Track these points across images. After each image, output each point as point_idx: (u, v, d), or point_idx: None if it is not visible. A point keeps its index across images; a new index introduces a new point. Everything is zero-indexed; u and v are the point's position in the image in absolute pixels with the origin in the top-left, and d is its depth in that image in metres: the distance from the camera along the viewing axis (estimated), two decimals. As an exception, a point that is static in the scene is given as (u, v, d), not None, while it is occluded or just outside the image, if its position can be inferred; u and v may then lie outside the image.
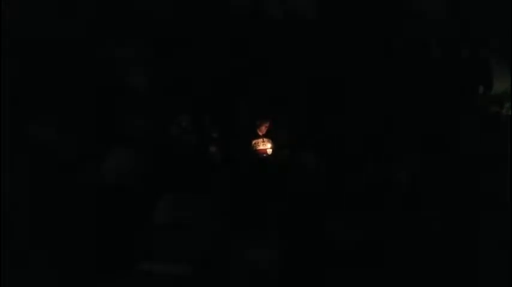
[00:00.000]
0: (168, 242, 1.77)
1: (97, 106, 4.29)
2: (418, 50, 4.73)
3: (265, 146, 4.95)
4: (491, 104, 4.45)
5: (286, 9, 5.23)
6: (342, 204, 3.05)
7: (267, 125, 4.99)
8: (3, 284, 2.43)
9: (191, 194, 2.01)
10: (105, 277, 2.26)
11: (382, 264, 2.69)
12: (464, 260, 2.66)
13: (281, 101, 5.03)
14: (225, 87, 5.14)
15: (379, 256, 2.74)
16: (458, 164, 3.63)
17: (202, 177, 4.01)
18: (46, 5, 4.35)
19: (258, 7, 5.27)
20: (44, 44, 4.31)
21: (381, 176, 3.46)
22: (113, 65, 4.64)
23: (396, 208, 3.11)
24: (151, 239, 1.80)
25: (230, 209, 3.05)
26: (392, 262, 2.69)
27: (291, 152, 4.43)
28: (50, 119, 3.89)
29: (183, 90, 4.96)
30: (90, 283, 2.42)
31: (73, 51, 4.45)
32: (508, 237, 2.63)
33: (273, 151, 4.94)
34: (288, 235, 2.77)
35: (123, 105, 4.52)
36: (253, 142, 4.97)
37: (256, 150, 4.95)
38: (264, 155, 4.91)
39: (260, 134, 5.01)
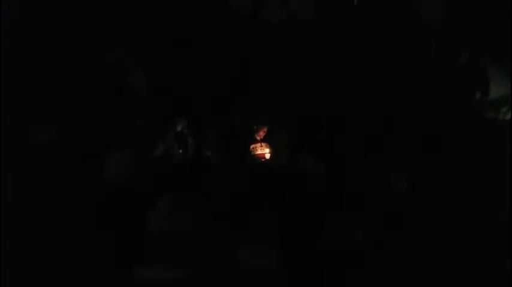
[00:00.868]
0: (165, 246, 1.75)
1: (97, 107, 4.29)
2: (416, 53, 4.76)
3: (264, 151, 4.95)
4: (488, 108, 4.47)
5: (285, 12, 5.25)
6: (341, 205, 3.05)
7: (265, 129, 4.99)
8: (3, 284, 2.40)
9: (188, 197, 2.00)
10: (102, 281, 2.25)
11: (382, 265, 2.68)
12: (464, 261, 2.66)
13: (279, 105, 5.03)
14: (223, 91, 5.14)
15: (378, 257, 2.74)
16: (456, 167, 3.64)
17: (199, 179, 4.01)
18: (46, 5, 4.35)
19: (258, 10, 5.28)
20: (44, 44, 4.31)
21: (379, 178, 3.47)
22: (112, 65, 4.63)
23: (395, 210, 3.11)
24: (149, 243, 1.79)
25: (229, 210, 3.04)
26: (391, 262, 2.69)
27: (289, 156, 4.44)
28: (49, 120, 3.89)
29: (181, 93, 4.96)
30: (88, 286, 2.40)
31: (73, 52, 4.46)
32: (507, 238, 2.63)
33: (271, 155, 4.93)
34: (288, 235, 2.77)
35: (122, 106, 4.51)
36: (251, 147, 4.96)
37: (254, 154, 4.94)
38: (262, 159, 4.91)
39: (258, 138, 5.00)
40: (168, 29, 5.01)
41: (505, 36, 4.23)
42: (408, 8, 4.88)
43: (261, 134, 4.99)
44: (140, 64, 4.84)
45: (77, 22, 4.57)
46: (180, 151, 4.64)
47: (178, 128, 4.68)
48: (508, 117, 4.38)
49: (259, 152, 4.95)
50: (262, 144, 4.97)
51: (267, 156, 4.93)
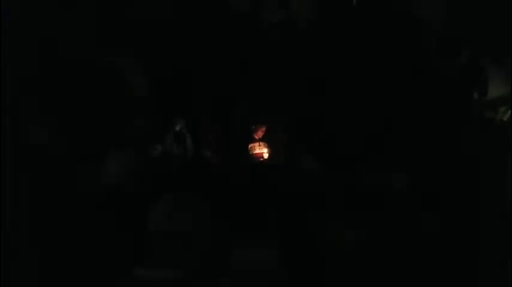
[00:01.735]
0: (165, 246, 1.75)
1: (96, 107, 4.29)
2: (415, 53, 4.77)
3: (262, 150, 4.94)
4: (486, 109, 4.49)
5: (285, 12, 5.25)
6: (340, 205, 3.06)
7: (263, 129, 4.99)
8: (3, 284, 2.40)
9: (188, 197, 1.99)
10: (102, 281, 2.25)
11: (381, 265, 2.69)
12: (464, 261, 2.67)
13: (279, 105, 5.03)
14: (221, 91, 5.15)
15: (377, 257, 2.74)
16: (455, 167, 3.65)
17: (199, 180, 4.00)
18: (46, 5, 4.35)
19: (257, 10, 5.28)
20: (43, 44, 4.31)
21: (379, 178, 3.47)
22: (112, 65, 4.63)
23: (394, 210, 3.11)
24: (148, 244, 1.79)
25: (228, 211, 3.04)
26: (390, 263, 2.69)
27: (289, 155, 4.44)
28: (49, 120, 3.89)
29: (180, 93, 4.96)
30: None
31: (72, 52, 4.45)
32: (507, 238, 2.64)
33: (269, 154, 4.93)
34: (287, 235, 2.77)
35: (122, 106, 4.51)
36: (250, 146, 4.96)
37: (252, 154, 4.94)
38: (261, 159, 4.91)
39: (256, 138, 5.00)
40: (168, 29, 5.01)
41: (503, 37, 4.25)
42: (407, 8, 4.88)
43: (260, 134, 4.99)
44: (140, 64, 4.84)
45: (77, 22, 4.56)
46: (179, 150, 4.64)
47: (177, 128, 4.68)
48: (506, 117, 4.39)
49: (257, 151, 4.94)
50: (261, 143, 4.97)
51: (265, 155, 4.93)
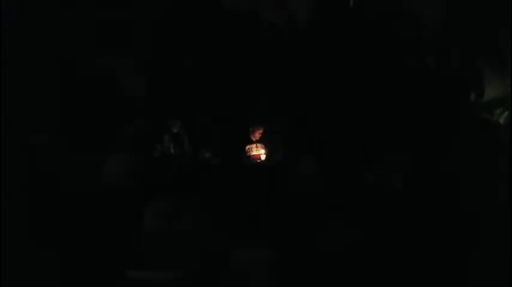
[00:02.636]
0: (163, 247, 1.75)
1: (95, 108, 4.29)
2: (412, 54, 4.79)
3: (259, 152, 4.95)
4: (482, 110, 4.51)
5: (284, 13, 5.26)
6: (339, 206, 3.05)
7: (260, 130, 5.00)
8: (3, 284, 2.39)
9: (186, 197, 1.99)
10: (100, 283, 2.24)
11: (379, 266, 2.69)
12: (463, 261, 2.67)
13: (276, 106, 5.04)
14: (219, 93, 5.15)
15: (374, 258, 2.74)
16: (451, 168, 3.66)
17: (195, 180, 4.00)
18: (46, 5, 4.34)
19: (256, 10, 5.29)
20: (43, 44, 4.30)
21: (375, 178, 3.48)
22: (111, 66, 4.63)
23: (391, 210, 3.11)
24: (146, 244, 1.78)
25: (223, 211, 3.03)
26: (389, 263, 2.69)
27: (286, 156, 4.44)
28: (49, 120, 3.89)
29: (178, 94, 4.96)
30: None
31: (72, 52, 4.45)
32: (507, 238, 2.64)
33: (266, 156, 4.94)
34: (285, 235, 2.77)
35: (121, 107, 4.51)
36: (247, 148, 4.97)
37: (249, 155, 4.95)
38: (258, 160, 4.91)
39: (253, 139, 5.01)
40: (166, 30, 5.01)
41: (500, 39, 4.27)
42: (404, 9, 4.90)
43: (257, 135, 5.00)
44: (138, 65, 4.84)
45: (76, 23, 4.56)
46: (176, 151, 4.64)
47: (175, 130, 4.69)
48: (502, 119, 4.42)
49: (254, 153, 4.95)
50: (258, 145, 4.98)
51: (263, 157, 4.94)
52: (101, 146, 3.65)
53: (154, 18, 4.98)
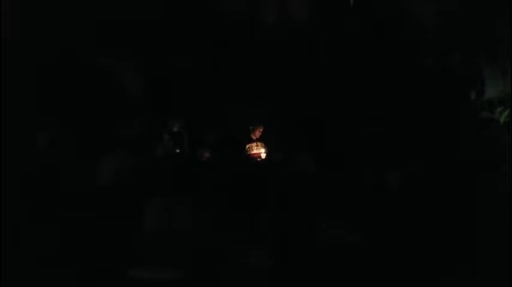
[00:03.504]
0: (162, 245, 1.75)
1: (95, 107, 4.30)
2: (411, 54, 4.78)
3: (259, 150, 4.95)
4: (483, 108, 4.51)
5: (282, 13, 5.25)
6: (336, 205, 3.06)
7: (260, 129, 5.00)
8: (3, 283, 2.40)
9: (186, 197, 1.99)
10: (100, 281, 2.24)
11: (377, 264, 2.68)
12: (463, 261, 2.66)
13: (275, 105, 5.04)
14: (219, 92, 5.15)
15: (373, 256, 2.74)
16: (451, 167, 3.66)
17: (194, 180, 4.00)
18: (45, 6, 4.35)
19: (254, 10, 5.29)
20: (42, 47, 4.31)
21: (374, 178, 3.48)
22: (108, 68, 4.64)
23: (390, 210, 3.11)
24: (146, 243, 1.78)
25: (226, 210, 3.03)
26: (388, 262, 2.69)
27: (286, 155, 4.43)
28: (47, 121, 3.89)
29: (177, 94, 4.97)
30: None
31: (70, 55, 4.46)
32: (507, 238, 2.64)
33: (266, 154, 4.94)
34: (283, 235, 2.77)
35: (120, 106, 4.52)
36: (247, 146, 4.97)
37: (250, 154, 4.94)
38: (258, 159, 4.91)
39: (254, 138, 5.01)
40: (164, 30, 5.02)
41: (501, 38, 4.27)
42: (404, 9, 4.90)
43: (257, 134, 5.00)
44: (138, 65, 4.85)
45: (75, 23, 4.56)
46: (177, 150, 4.65)
47: (175, 129, 4.70)
48: (503, 117, 4.42)
49: (254, 151, 4.95)
50: (258, 143, 4.98)
51: (263, 156, 4.94)
52: (100, 145, 3.65)
53: (155, 18, 4.97)
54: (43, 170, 3.34)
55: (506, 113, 4.43)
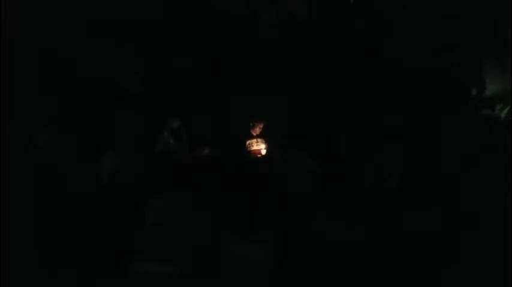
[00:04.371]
0: (162, 241, 1.77)
1: (94, 106, 4.30)
2: (410, 53, 4.78)
3: (259, 147, 4.95)
4: (483, 105, 4.51)
5: (282, 12, 5.25)
6: (335, 203, 3.07)
7: (261, 125, 5.00)
8: (3, 282, 2.41)
9: (185, 193, 2.00)
10: (97, 278, 2.26)
11: (377, 263, 2.70)
12: (462, 260, 2.68)
13: (275, 102, 5.04)
14: (219, 88, 5.15)
15: (372, 254, 2.75)
16: (450, 164, 3.67)
17: (194, 177, 4.01)
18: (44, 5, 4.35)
19: (252, 10, 5.28)
20: (41, 46, 4.31)
21: (373, 176, 3.49)
22: (107, 65, 4.64)
23: (389, 208, 3.12)
24: (146, 238, 1.80)
25: (223, 207, 3.05)
26: (387, 261, 2.70)
27: (285, 152, 4.45)
28: (48, 120, 3.90)
29: (177, 91, 4.97)
30: (82, 283, 2.41)
31: (70, 52, 4.46)
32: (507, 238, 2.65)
33: (267, 151, 4.95)
34: (282, 233, 2.79)
35: (119, 105, 4.52)
36: (247, 143, 4.97)
37: (250, 150, 4.95)
38: (258, 155, 4.92)
39: (254, 134, 5.01)
40: (163, 28, 5.01)
41: (501, 35, 4.26)
42: (404, 7, 4.89)
43: (257, 131, 5.00)
44: (137, 63, 4.85)
45: (74, 22, 4.56)
46: (176, 147, 4.66)
47: (174, 125, 4.70)
48: (503, 114, 4.42)
49: (255, 148, 4.95)
50: (258, 140, 4.98)
51: (263, 152, 4.95)
52: (100, 143, 3.65)
53: (154, 17, 4.97)
54: (43, 169, 3.35)
55: (506, 110, 4.43)
